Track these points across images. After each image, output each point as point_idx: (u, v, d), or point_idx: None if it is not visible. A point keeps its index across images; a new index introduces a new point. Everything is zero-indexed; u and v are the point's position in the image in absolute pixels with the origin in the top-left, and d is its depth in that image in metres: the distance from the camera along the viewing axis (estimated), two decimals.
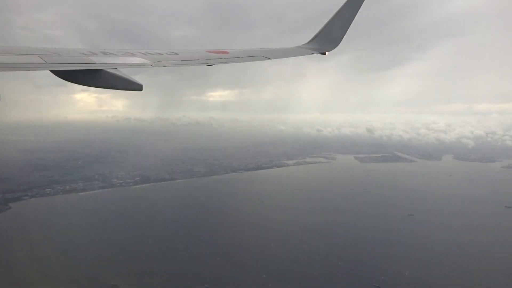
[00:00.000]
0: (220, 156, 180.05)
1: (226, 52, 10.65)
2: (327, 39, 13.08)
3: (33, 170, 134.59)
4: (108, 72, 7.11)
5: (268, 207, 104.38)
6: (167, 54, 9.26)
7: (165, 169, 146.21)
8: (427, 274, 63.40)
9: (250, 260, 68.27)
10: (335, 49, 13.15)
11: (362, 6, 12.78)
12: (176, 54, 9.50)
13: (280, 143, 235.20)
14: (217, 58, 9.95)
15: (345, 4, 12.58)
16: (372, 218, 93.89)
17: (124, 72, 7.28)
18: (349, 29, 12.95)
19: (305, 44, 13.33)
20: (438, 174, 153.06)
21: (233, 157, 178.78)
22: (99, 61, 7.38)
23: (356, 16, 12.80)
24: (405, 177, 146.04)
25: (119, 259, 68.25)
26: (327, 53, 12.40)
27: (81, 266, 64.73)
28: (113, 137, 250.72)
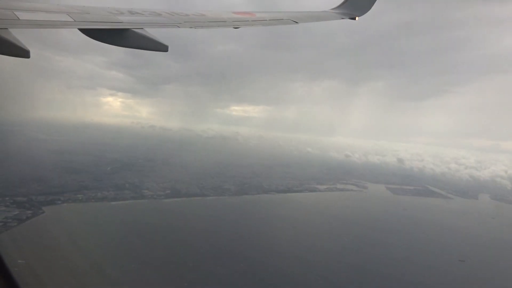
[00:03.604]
0: (248, 174, 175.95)
1: (253, 14, 10.40)
2: (358, 3, 12.60)
3: (63, 172, 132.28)
4: (135, 32, 6.98)
5: (304, 235, 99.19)
6: (193, 15, 9.28)
7: (195, 184, 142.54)
8: None
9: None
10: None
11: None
12: (203, 15, 9.50)
13: (307, 165, 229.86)
14: (243, 20, 9.81)
15: None
16: (418, 261, 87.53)
17: (150, 33, 7.05)
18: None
19: (334, 8, 12.86)
20: (479, 214, 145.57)
21: (262, 176, 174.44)
22: (126, 21, 7.30)
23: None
24: (444, 215, 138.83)
25: (157, 278, 64.19)
26: (357, 18, 11.71)
27: (118, 286, 60.79)
28: (139, 144, 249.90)
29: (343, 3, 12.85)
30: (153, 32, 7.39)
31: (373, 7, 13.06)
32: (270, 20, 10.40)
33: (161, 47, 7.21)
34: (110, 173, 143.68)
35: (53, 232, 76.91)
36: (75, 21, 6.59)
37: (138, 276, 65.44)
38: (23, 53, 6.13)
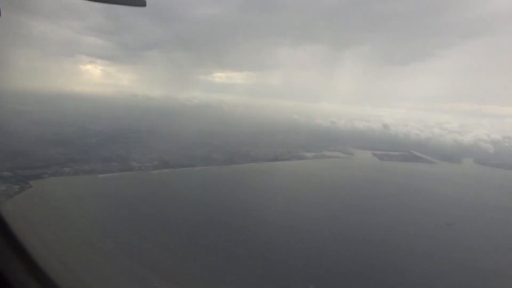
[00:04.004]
0: (235, 143, 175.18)
1: None
2: None
3: (47, 145, 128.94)
4: None
5: (293, 203, 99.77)
6: None
7: (183, 154, 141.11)
8: None
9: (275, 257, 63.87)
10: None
11: None
12: None
13: (293, 133, 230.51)
14: None
15: None
16: (407, 226, 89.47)
17: None
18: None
19: None
20: (463, 178, 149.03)
21: (249, 145, 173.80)
22: None
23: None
24: (429, 180, 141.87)
25: (148, 250, 63.93)
26: None
27: (110, 258, 60.30)
28: (123, 114, 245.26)
29: None
30: None
31: None
32: None
33: (138, 2, 6.67)
34: (95, 145, 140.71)
35: (43, 207, 75.40)
36: None
37: (130, 248, 64.82)
38: None
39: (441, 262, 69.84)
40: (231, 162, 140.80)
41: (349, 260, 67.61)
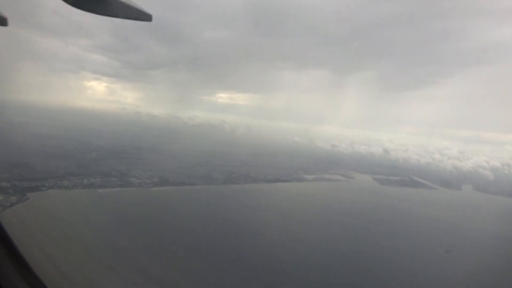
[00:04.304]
0: (236, 163, 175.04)
1: None
2: None
3: (47, 157, 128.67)
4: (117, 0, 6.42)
5: (293, 225, 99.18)
6: None
7: (183, 172, 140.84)
8: None
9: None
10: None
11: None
12: None
13: (294, 155, 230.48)
14: None
15: None
16: (406, 251, 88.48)
17: (133, 1, 6.57)
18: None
19: None
20: (463, 205, 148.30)
21: (250, 165, 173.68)
22: None
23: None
24: (429, 205, 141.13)
25: (146, 267, 63.03)
26: None
27: (103, 274, 59.39)
28: (125, 130, 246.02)
29: None
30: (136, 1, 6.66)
31: None
32: None
33: (145, 17, 6.61)
34: (95, 159, 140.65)
35: (40, 219, 74.81)
36: None
37: (127, 265, 64.13)
38: (0, 21, 5.70)
39: None
40: (231, 182, 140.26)
41: (345, 285, 66.73)
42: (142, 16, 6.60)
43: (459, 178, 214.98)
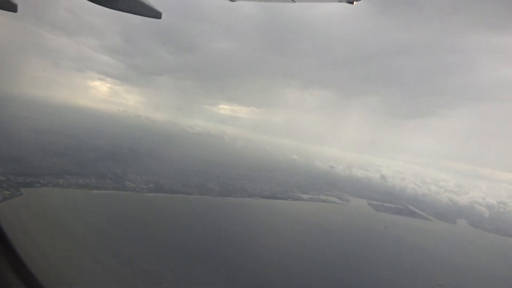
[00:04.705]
0: (233, 175, 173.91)
1: None
2: None
3: (44, 154, 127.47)
4: None
5: (286, 244, 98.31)
6: None
7: (179, 180, 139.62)
8: None
9: None
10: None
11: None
12: None
13: (291, 172, 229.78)
14: None
15: None
16: (398, 283, 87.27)
17: None
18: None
19: None
20: (457, 240, 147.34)
21: (246, 179, 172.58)
22: None
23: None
24: (423, 237, 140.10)
25: (134, 274, 61.78)
26: (355, 3, 10.58)
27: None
28: (124, 132, 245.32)
29: None
30: None
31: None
32: None
33: (154, 14, 6.88)
34: (92, 159, 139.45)
35: (31, 217, 73.38)
36: None
37: (115, 271, 62.85)
38: (10, 7, 5.90)
39: None
40: (226, 195, 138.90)
41: None
42: (152, 13, 6.81)
43: (455, 211, 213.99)
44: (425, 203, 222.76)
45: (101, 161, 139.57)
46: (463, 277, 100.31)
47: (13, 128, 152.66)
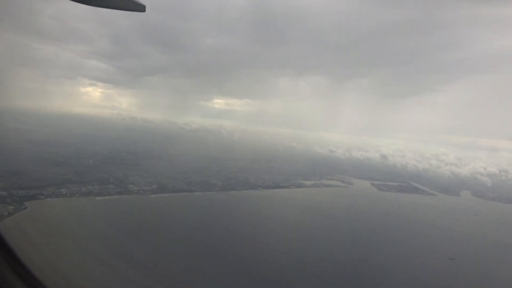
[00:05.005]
0: (234, 169, 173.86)
1: None
2: None
3: (44, 165, 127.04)
4: None
5: (292, 232, 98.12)
6: None
7: (181, 178, 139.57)
8: None
9: None
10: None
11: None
12: None
13: (292, 160, 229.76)
14: None
15: None
16: (409, 259, 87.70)
17: None
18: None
19: None
20: (462, 212, 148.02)
21: (248, 171, 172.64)
22: None
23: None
24: (429, 212, 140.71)
25: (145, 277, 61.78)
26: None
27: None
28: (121, 135, 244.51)
29: None
30: None
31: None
32: None
33: (138, 7, 6.65)
34: (92, 166, 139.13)
35: (38, 229, 73.20)
36: None
37: (127, 276, 62.82)
38: None
39: None
40: (230, 189, 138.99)
41: None
42: (136, 6, 6.62)
43: (457, 184, 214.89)
44: (427, 178, 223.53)
45: (101, 166, 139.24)
46: (471, 248, 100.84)
47: (10, 142, 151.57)
